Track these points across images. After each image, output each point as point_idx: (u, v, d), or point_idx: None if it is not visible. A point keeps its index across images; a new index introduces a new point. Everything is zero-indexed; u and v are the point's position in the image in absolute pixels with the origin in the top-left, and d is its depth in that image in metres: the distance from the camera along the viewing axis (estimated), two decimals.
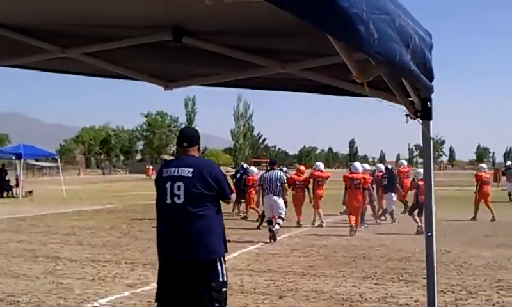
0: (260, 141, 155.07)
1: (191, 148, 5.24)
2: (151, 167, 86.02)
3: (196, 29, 3.16)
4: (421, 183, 17.41)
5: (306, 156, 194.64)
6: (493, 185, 28.82)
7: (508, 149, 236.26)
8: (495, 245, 14.38)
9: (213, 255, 5.06)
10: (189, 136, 5.37)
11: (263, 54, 3.37)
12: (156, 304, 5.31)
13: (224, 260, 5.20)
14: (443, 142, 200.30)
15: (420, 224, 16.38)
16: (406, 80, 2.92)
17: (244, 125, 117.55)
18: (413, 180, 18.51)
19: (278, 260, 12.08)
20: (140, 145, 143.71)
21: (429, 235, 3.27)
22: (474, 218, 19.75)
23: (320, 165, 21.03)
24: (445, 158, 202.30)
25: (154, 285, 9.34)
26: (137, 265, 11.30)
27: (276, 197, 15.70)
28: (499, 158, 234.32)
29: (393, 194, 19.82)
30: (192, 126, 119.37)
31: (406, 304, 8.29)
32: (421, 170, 18.41)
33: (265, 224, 16.39)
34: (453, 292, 9.09)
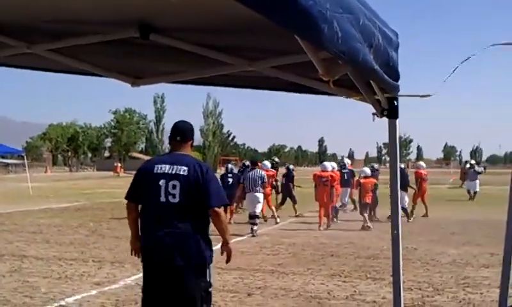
0: (230, 138, 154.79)
1: (185, 143, 5.09)
2: (119, 164, 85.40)
3: (164, 26, 3.14)
4: (362, 181, 18.43)
5: (275, 154, 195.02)
6: (457, 184, 29.29)
7: (475, 148, 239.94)
8: (462, 243, 14.57)
9: (205, 258, 4.91)
10: (182, 130, 5.16)
11: (230, 51, 3.36)
12: None
13: (211, 261, 5.05)
14: (411, 140, 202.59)
15: (367, 222, 17.49)
16: (369, 79, 2.94)
17: (213, 123, 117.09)
18: (358, 178, 19.04)
19: (246, 258, 12.08)
20: (108, 142, 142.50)
21: (395, 232, 3.30)
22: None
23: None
24: (413, 157, 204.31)
25: (122, 283, 9.49)
26: (105, 263, 11.21)
27: (257, 194, 17.08)
28: (466, 157, 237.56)
29: (404, 192, 19.78)
30: (162, 123, 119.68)
31: (374, 301, 8.35)
32: (366, 168, 19.67)
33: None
34: (420, 289, 9.19)
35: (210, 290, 4.96)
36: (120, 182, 54.03)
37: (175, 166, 4.86)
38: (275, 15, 1.59)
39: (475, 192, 30.16)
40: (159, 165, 4.93)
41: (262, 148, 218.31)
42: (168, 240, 4.80)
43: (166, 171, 4.86)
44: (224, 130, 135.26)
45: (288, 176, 22.23)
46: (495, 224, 15.83)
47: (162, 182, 4.82)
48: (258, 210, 17.09)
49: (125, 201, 5.21)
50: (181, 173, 4.82)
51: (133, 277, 9.83)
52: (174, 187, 4.80)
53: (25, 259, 11.62)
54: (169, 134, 5.19)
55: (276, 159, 27.19)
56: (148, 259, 5.03)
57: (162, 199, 4.81)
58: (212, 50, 3.30)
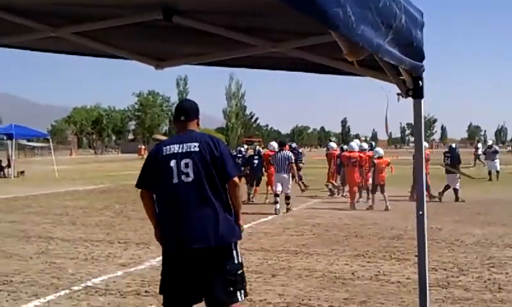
0: (252, 120, 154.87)
1: (190, 121, 4.84)
2: (143, 147, 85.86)
3: (187, 8, 3.14)
4: (377, 161, 18.30)
5: (298, 135, 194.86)
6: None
7: (499, 128, 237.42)
8: (486, 223, 14.48)
9: (229, 238, 4.66)
10: (186, 109, 4.95)
11: (253, 33, 3.35)
12: (162, 295, 4.95)
13: (238, 242, 4.79)
14: (435, 120, 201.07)
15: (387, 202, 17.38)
16: (383, 62, 2.91)
17: (236, 105, 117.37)
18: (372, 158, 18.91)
19: (270, 239, 12.12)
20: (132, 125, 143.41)
21: (420, 213, 3.28)
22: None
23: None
24: (437, 137, 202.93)
25: (147, 264, 9.57)
26: (130, 245, 11.32)
27: (285, 174, 17.54)
28: (491, 136, 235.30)
29: (456, 174, 20.24)
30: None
31: (398, 282, 8.34)
32: (379, 149, 19.60)
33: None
34: (444, 270, 9.16)
35: (239, 272, 4.70)
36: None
37: (185, 144, 4.64)
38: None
39: (497, 172, 29.74)
40: (167, 147, 4.71)
41: (285, 130, 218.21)
42: (185, 222, 4.57)
43: (175, 151, 4.64)
44: (247, 112, 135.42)
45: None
46: None
47: (173, 163, 4.60)
48: (288, 190, 17.57)
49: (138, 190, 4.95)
50: (192, 149, 4.60)
51: (158, 258, 9.82)
52: (186, 165, 4.57)
53: (52, 241, 11.79)
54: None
55: (294, 144, 27.09)
56: (167, 245, 4.78)
57: (175, 180, 4.58)
58: (235, 31, 3.30)
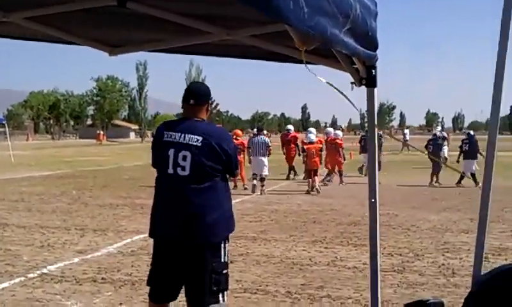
0: (213, 106, 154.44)
1: (199, 106, 4.57)
2: (102, 132, 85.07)
3: None
4: (306, 147, 19.79)
5: (258, 121, 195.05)
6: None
7: (456, 115, 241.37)
8: (442, 209, 14.75)
9: (218, 237, 4.49)
10: (197, 92, 4.68)
11: (208, 20, 3.34)
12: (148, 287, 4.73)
13: (228, 240, 4.60)
14: (394, 107, 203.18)
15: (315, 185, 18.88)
16: (337, 52, 2.94)
17: None
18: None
19: None
20: (90, 110, 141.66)
21: (373, 200, 3.33)
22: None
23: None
24: (395, 123, 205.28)
25: (104, 251, 9.52)
26: (88, 231, 11.22)
27: (262, 158, 19.18)
28: (448, 123, 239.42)
29: (473, 160, 21.11)
30: (144, 91, 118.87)
31: (355, 267, 8.44)
32: (310, 135, 20.63)
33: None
34: (400, 255, 9.31)
35: (224, 271, 4.53)
36: (102, 150, 53.91)
37: (187, 135, 4.39)
38: None
39: (445, 158, 29.84)
40: (169, 132, 4.46)
41: (246, 116, 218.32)
42: (175, 215, 4.43)
43: (175, 140, 4.40)
44: None
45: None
46: (475, 189, 16.05)
47: (171, 152, 4.39)
48: (265, 173, 19.07)
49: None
50: (193, 143, 4.36)
51: (115, 245, 9.88)
52: (184, 158, 4.35)
53: (7, 228, 11.62)
54: (153, 102, 4.85)
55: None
56: (155, 233, 4.62)
57: (170, 170, 4.40)
58: (189, 18, 3.28)
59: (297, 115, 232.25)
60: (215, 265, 4.43)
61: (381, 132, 23.43)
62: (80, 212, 14.07)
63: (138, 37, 4.06)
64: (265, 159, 19.34)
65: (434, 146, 22.88)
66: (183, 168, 4.36)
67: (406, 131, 45.49)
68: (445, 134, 30.86)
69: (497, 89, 2.72)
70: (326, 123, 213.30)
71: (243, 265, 8.61)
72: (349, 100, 3.16)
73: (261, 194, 18.32)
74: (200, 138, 4.37)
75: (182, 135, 4.40)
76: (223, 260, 4.50)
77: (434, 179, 21.50)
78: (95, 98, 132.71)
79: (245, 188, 19.30)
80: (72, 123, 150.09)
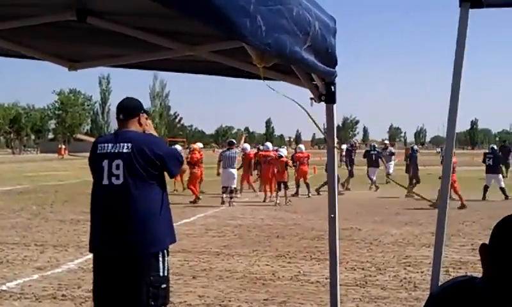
0: (177, 120, 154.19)
1: (129, 120, 4.61)
2: (63, 146, 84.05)
3: (101, 9, 3.09)
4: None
5: (222, 135, 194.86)
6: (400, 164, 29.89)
7: (418, 129, 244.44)
8: (404, 223, 14.92)
9: (155, 247, 4.40)
10: (125, 107, 4.70)
11: (170, 36, 3.33)
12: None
13: (168, 252, 4.53)
14: (357, 122, 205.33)
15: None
16: (297, 69, 2.98)
17: (160, 104, 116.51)
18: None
19: (192, 240, 12.11)
20: (52, 124, 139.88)
21: (332, 216, 3.36)
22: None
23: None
24: (359, 138, 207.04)
25: (65, 267, 9.40)
26: (47, 247, 11.07)
27: (232, 170, 19.77)
28: (410, 138, 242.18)
29: (500, 175, 21.86)
30: (107, 105, 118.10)
31: (317, 282, 8.48)
32: (282, 149, 22.48)
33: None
34: (363, 269, 9.38)
35: (163, 286, 4.43)
36: (64, 164, 53.33)
37: (118, 144, 4.43)
38: (193, 13, 1.63)
39: (388, 174, 29.58)
40: (102, 144, 4.51)
41: (210, 130, 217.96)
42: (111, 226, 4.38)
43: (108, 151, 4.43)
44: (171, 112, 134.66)
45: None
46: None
47: (105, 163, 4.40)
48: (234, 185, 19.83)
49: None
50: (124, 150, 4.38)
51: (76, 261, 9.77)
52: (117, 167, 4.36)
53: None
54: (115, 115, 4.85)
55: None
56: (94, 246, 4.58)
57: (105, 181, 4.39)
58: (151, 34, 3.27)
59: (261, 129, 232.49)
60: (153, 278, 4.35)
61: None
62: (40, 227, 13.87)
63: (99, 52, 4.04)
64: (235, 172, 19.97)
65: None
66: (117, 177, 4.37)
67: (343, 146, 45.22)
68: (393, 149, 31.05)
69: (453, 103, 2.77)
70: (290, 138, 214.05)
71: (206, 280, 8.59)
72: (311, 117, 3.19)
73: (229, 205, 18.97)
74: (130, 144, 4.41)
75: (114, 145, 4.45)
76: (161, 274, 4.41)
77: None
78: (56, 112, 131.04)
79: (194, 202, 19.72)
80: (33, 137, 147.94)
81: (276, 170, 20.26)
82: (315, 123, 3.30)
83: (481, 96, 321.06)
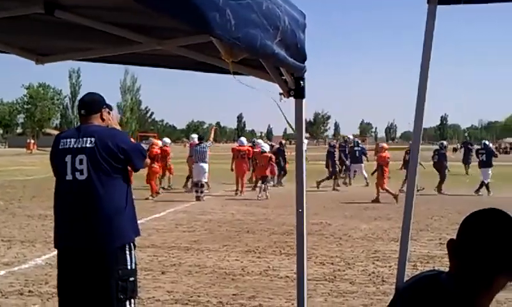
0: (148, 115, 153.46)
1: (91, 115, 4.60)
2: (32, 141, 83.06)
3: (69, 3, 3.07)
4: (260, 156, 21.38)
5: (194, 130, 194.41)
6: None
7: (389, 125, 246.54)
8: (373, 218, 15.04)
9: (122, 240, 4.39)
10: (87, 102, 4.68)
11: (138, 30, 3.31)
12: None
13: (135, 245, 4.52)
14: (329, 117, 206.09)
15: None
16: (269, 63, 2.98)
17: (131, 99, 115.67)
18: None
19: (162, 235, 12.07)
20: (21, 118, 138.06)
21: (300, 211, 3.37)
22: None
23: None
24: (330, 133, 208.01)
25: (32, 263, 9.32)
26: (15, 243, 10.94)
27: (203, 164, 19.84)
28: (381, 133, 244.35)
29: (489, 169, 22.51)
30: (77, 99, 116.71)
31: (287, 277, 8.51)
32: (264, 144, 23.04)
33: None
34: (332, 264, 9.44)
35: (131, 279, 4.44)
36: (32, 159, 52.70)
37: (80, 139, 4.42)
38: (159, 6, 1.62)
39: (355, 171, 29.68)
40: (65, 140, 4.49)
41: (181, 125, 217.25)
42: (76, 222, 4.35)
43: (71, 146, 4.42)
44: (142, 106, 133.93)
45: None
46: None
47: (68, 158, 4.39)
48: (204, 179, 19.95)
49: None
50: (87, 145, 4.37)
51: (44, 256, 9.67)
52: (81, 161, 4.35)
53: None
54: None
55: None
56: (59, 242, 4.54)
57: (69, 177, 4.37)
58: (119, 28, 3.24)
59: (233, 124, 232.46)
60: (121, 272, 4.36)
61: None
62: (7, 223, 13.69)
63: (67, 45, 3.99)
64: (206, 166, 19.96)
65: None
66: (81, 172, 4.36)
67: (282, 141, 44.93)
68: (364, 146, 30.93)
69: (420, 99, 2.80)
70: (261, 133, 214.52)
71: (175, 275, 8.57)
72: (282, 111, 3.20)
73: (199, 200, 19.09)
74: (93, 139, 4.41)
75: (77, 140, 4.44)
76: (129, 267, 4.43)
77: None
78: (25, 106, 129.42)
79: (151, 197, 19.58)
80: (1, 131, 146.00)
81: (260, 165, 21.09)
82: (285, 118, 3.31)
83: (451, 92, 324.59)
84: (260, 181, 20.91)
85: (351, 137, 28.77)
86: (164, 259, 9.61)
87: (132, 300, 4.48)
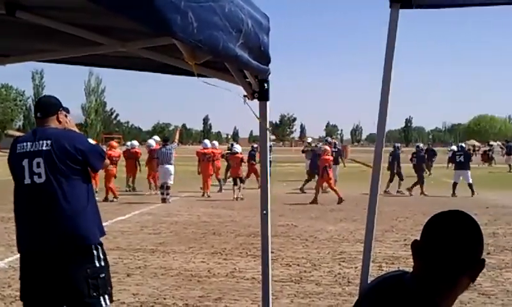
0: (113, 116, 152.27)
1: (47, 118, 4.56)
2: None
3: (31, 3, 3.03)
4: (232, 157, 21.86)
5: (159, 132, 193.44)
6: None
7: (355, 127, 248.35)
8: (339, 219, 15.12)
9: (85, 241, 4.36)
10: (43, 105, 4.67)
11: (101, 31, 3.28)
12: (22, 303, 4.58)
13: (101, 244, 4.49)
14: (295, 119, 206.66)
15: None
16: (232, 66, 2.99)
17: (95, 100, 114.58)
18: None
19: (127, 238, 11.99)
20: None
21: (264, 213, 3.38)
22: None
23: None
24: (296, 135, 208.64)
25: None
26: None
27: (168, 166, 19.93)
28: (347, 135, 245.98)
29: (468, 171, 22.65)
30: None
31: (253, 278, 8.52)
32: (237, 146, 22.94)
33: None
34: (298, 265, 9.48)
35: (102, 275, 4.42)
36: None
37: (37, 142, 4.38)
38: (119, 8, 1.61)
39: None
40: (22, 144, 4.45)
41: (147, 126, 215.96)
42: (38, 225, 4.32)
43: (27, 149, 4.38)
44: (107, 108, 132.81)
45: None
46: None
47: (25, 162, 4.35)
48: (170, 182, 19.85)
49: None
50: (43, 148, 4.33)
51: (6, 259, 9.54)
52: (38, 165, 4.31)
53: None
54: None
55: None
56: (20, 247, 4.49)
57: (27, 181, 4.34)
58: (82, 29, 3.21)
59: (199, 126, 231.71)
60: (89, 270, 4.35)
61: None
62: None
63: (29, 46, 3.93)
64: (171, 168, 20.01)
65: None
66: (39, 175, 4.32)
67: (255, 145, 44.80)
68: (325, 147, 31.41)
69: (383, 101, 2.82)
70: (227, 135, 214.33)
71: (140, 278, 8.52)
72: (254, 112, 3.21)
73: (165, 202, 19.09)
74: (49, 141, 4.37)
75: (33, 144, 4.40)
76: (98, 265, 4.42)
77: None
78: None
79: (111, 201, 19.57)
80: None
81: (233, 165, 21.43)
82: (258, 117, 3.32)
83: (416, 94, 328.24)
84: (234, 183, 21.11)
85: (330, 139, 29.01)
86: (130, 262, 9.55)
87: (106, 296, 4.48)
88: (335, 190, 19.61)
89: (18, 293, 7.36)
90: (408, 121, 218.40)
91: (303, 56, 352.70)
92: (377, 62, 2.91)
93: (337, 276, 8.81)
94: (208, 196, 21.44)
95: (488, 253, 10.25)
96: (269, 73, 3.19)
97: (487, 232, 12.26)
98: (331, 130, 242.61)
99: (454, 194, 21.92)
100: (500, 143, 56.11)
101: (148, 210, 16.98)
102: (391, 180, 23.16)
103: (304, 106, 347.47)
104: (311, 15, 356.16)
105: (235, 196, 20.51)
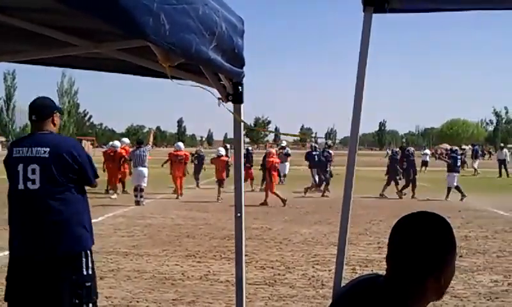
0: (86, 118, 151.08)
1: (42, 121, 4.54)
2: None
3: (3, 4, 3.00)
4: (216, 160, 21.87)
5: (133, 134, 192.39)
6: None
7: (329, 130, 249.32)
8: (314, 222, 15.16)
9: (76, 249, 4.40)
10: (38, 107, 4.60)
11: (74, 32, 3.25)
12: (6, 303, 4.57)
13: (91, 253, 4.54)
14: (269, 122, 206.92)
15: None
16: (205, 68, 3.00)
17: (68, 102, 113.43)
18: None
19: (100, 240, 11.85)
20: None
21: (238, 215, 3.39)
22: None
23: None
24: (270, 138, 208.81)
25: None
26: None
27: (142, 168, 19.87)
28: (321, 139, 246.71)
29: (455, 174, 22.73)
30: (12, 102, 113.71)
31: (227, 281, 8.51)
32: (220, 148, 23.02)
33: None
34: (272, 268, 9.48)
35: (87, 284, 4.45)
36: None
37: (33, 148, 4.36)
38: (91, 10, 1.60)
39: (284, 175, 29.82)
40: (18, 148, 4.43)
41: (120, 129, 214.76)
42: (28, 231, 4.32)
43: (24, 154, 4.36)
44: (80, 110, 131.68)
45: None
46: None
47: (20, 167, 4.33)
48: (144, 184, 19.70)
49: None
50: (41, 155, 4.32)
51: None
52: (33, 171, 4.30)
53: None
54: (21, 113, 4.76)
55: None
56: (11, 252, 4.51)
57: (21, 186, 4.33)
58: (55, 30, 3.18)
59: (173, 129, 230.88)
60: (75, 277, 4.37)
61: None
62: None
63: (1, 47, 3.89)
64: (145, 170, 19.90)
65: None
66: (33, 182, 4.32)
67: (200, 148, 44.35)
68: (289, 151, 32.00)
69: (357, 105, 2.84)
70: (201, 137, 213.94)
71: (113, 281, 8.46)
72: (233, 114, 3.21)
73: (139, 204, 19.06)
74: (47, 149, 4.36)
75: (30, 149, 4.38)
76: (85, 273, 4.45)
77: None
78: None
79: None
80: None
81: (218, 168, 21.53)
82: (241, 120, 3.32)
83: (389, 99, 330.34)
84: (219, 185, 21.24)
85: (330, 142, 29.57)
86: (102, 265, 9.46)
87: (90, 304, 4.51)
88: (276, 194, 19.73)
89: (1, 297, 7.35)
90: (382, 124, 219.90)
91: (278, 59, 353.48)
92: (352, 65, 2.93)
93: (311, 279, 8.83)
94: (181, 195, 21.75)
95: (461, 256, 10.35)
96: (243, 76, 3.19)
97: (459, 235, 12.38)
98: (305, 133, 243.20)
99: (447, 197, 22.17)
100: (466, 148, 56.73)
101: (122, 213, 16.87)
102: (388, 184, 23.31)
103: (278, 109, 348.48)
104: (285, 18, 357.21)
105: (220, 197, 20.61)
